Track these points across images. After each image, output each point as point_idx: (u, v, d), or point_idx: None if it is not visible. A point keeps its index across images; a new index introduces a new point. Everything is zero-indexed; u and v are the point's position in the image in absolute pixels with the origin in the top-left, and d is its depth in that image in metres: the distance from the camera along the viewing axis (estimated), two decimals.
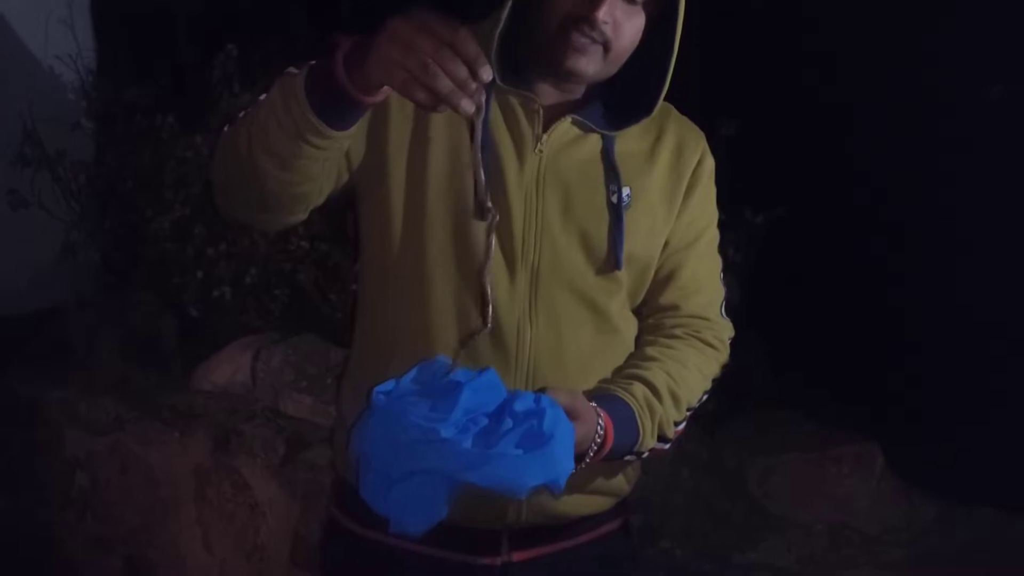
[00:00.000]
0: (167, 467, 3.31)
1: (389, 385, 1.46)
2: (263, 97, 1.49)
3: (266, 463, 3.13)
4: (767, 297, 3.87)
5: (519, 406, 1.43)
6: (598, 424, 1.55)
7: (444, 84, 1.23)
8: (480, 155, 1.50)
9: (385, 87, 1.33)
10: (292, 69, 1.46)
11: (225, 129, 1.60)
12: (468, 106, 1.25)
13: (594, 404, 1.58)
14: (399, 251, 1.65)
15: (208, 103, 3.70)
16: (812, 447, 3.44)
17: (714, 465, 3.48)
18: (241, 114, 1.56)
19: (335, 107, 1.38)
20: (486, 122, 1.60)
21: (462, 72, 1.23)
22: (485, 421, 1.41)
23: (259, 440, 3.17)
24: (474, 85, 1.24)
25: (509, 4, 1.59)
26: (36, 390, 3.61)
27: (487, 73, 1.24)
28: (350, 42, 1.34)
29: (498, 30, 1.59)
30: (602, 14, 1.55)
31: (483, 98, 1.27)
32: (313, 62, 1.40)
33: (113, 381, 3.64)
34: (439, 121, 1.62)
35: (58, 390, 3.58)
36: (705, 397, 1.79)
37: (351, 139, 1.48)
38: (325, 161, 1.49)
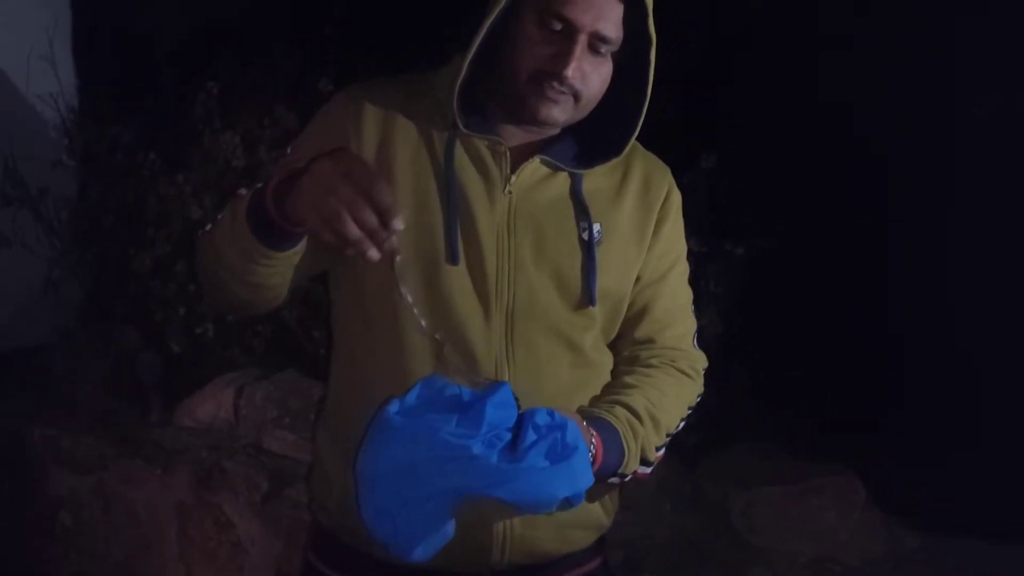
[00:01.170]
0: (150, 505, 3.31)
1: (395, 405, 1.43)
2: (220, 216, 1.59)
3: (248, 500, 3.13)
4: (749, 328, 3.89)
5: (540, 419, 1.43)
6: (591, 443, 1.56)
7: (352, 232, 1.32)
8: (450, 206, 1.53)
9: (303, 223, 1.41)
10: (242, 191, 1.54)
11: (199, 234, 1.66)
12: (374, 254, 1.34)
13: (585, 423, 1.59)
14: (372, 298, 1.66)
15: (190, 140, 3.71)
16: (794, 479, 3.44)
17: (696, 499, 3.49)
18: (208, 226, 1.63)
19: (271, 235, 1.47)
20: (451, 168, 1.63)
21: (372, 221, 1.32)
22: (508, 436, 1.41)
23: (241, 477, 3.17)
24: (384, 234, 1.32)
25: (471, 53, 1.60)
26: (20, 426, 3.61)
27: (399, 224, 1.32)
28: (282, 175, 1.42)
29: (459, 79, 1.61)
30: (571, 71, 1.57)
31: (394, 244, 1.34)
32: (259, 185, 1.48)
33: (96, 417, 3.64)
34: (404, 166, 1.64)
35: (42, 426, 3.58)
36: (683, 424, 1.80)
37: (301, 252, 1.55)
38: (282, 270, 1.57)
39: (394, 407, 1.42)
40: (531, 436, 1.41)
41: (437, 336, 1.58)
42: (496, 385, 1.47)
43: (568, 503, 1.44)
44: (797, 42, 4.06)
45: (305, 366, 3.58)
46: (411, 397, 1.44)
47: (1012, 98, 3.81)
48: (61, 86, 3.97)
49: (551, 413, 1.46)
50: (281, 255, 1.49)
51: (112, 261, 3.85)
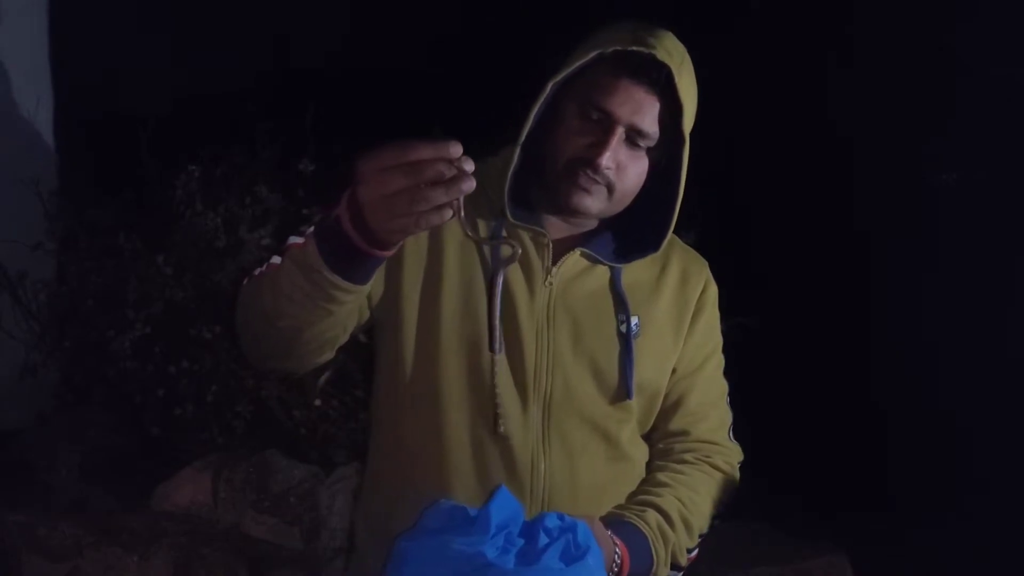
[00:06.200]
0: None
1: (408, 534, 1.46)
2: (277, 260, 1.50)
3: None
4: (735, 405, 3.86)
5: (549, 523, 1.46)
6: (615, 551, 1.56)
7: (438, 195, 1.20)
8: (499, 279, 1.53)
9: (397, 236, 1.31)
10: (295, 238, 1.49)
11: (245, 283, 1.62)
12: (468, 186, 1.21)
13: (610, 532, 1.58)
14: (414, 382, 1.67)
15: (170, 222, 3.70)
16: (781, 559, 3.41)
17: None
18: (256, 271, 1.58)
19: (355, 267, 1.37)
20: (497, 257, 1.64)
21: (438, 171, 1.20)
22: (521, 542, 1.43)
23: (221, 563, 3.11)
24: (453, 170, 1.20)
25: (520, 142, 1.64)
26: None
27: (455, 148, 1.21)
28: (347, 204, 1.31)
29: (511, 168, 1.64)
30: (605, 159, 1.60)
31: (468, 166, 1.23)
32: (314, 229, 1.39)
33: (72, 503, 3.58)
34: (452, 254, 1.66)
35: (16, 513, 3.51)
36: (717, 523, 1.82)
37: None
38: (356, 304, 1.53)
39: (406, 536, 1.45)
40: (543, 539, 1.44)
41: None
42: (495, 490, 1.49)
43: None
44: (779, 117, 4.10)
45: (286, 446, 3.54)
46: (420, 524, 1.47)
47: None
48: (41, 169, 3.96)
49: (561, 516, 1.48)
50: (364, 288, 1.42)
51: (90, 343, 3.81)
